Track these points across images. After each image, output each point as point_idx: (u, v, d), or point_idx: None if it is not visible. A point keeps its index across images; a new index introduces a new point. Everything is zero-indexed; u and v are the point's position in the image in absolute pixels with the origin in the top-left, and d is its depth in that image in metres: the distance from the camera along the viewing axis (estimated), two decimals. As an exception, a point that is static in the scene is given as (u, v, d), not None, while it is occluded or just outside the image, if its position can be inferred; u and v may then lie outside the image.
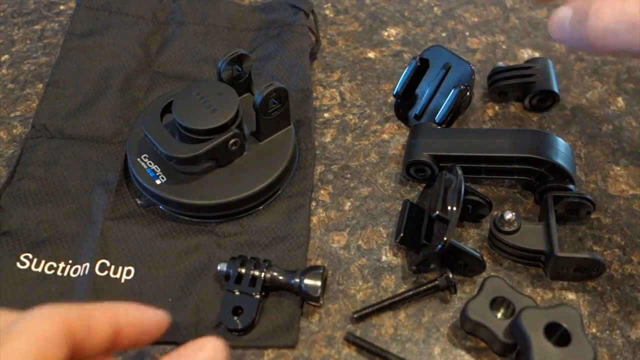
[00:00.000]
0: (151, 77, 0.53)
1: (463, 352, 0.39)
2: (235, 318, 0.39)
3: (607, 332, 0.40)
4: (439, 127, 0.48)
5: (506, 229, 0.42)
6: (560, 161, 0.43)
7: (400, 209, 0.45)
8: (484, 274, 0.42)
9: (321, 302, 0.41)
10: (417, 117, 0.50)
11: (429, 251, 0.40)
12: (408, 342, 0.40)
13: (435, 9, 0.61)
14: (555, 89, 0.50)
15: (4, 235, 0.44)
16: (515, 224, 0.42)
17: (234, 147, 0.44)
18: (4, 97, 0.53)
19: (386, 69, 0.55)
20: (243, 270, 0.40)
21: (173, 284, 0.42)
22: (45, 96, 0.51)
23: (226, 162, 0.45)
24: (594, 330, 0.40)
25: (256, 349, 0.39)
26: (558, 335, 0.36)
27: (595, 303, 0.41)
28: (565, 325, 0.36)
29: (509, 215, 0.42)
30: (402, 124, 0.51)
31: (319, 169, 0.49)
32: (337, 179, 0.48)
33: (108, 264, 0.42)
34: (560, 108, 0.52)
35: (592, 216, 0.45)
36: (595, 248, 0.44)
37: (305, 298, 0.40)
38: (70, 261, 0.43)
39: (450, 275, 0.40)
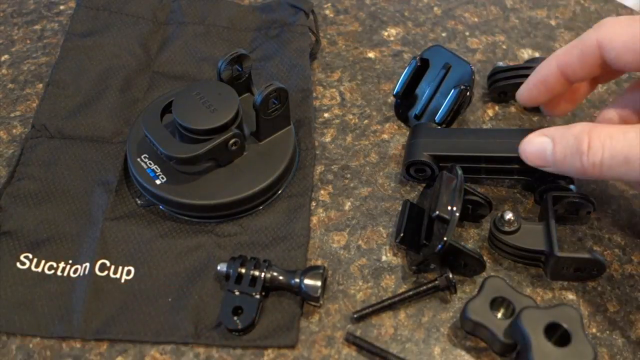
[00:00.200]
0: (151, 77, 0.53)
1: (463, 352, 0.39)
2: (235, 318, 0.39)
3: (607, 332, 0.40)
4: (439, 127, 0.48)
5: (506, 229, 0.42)
6: None
7: (400, 209, 0.45)
8: (484, 274, 0.42)
9: (321, 302, 0.41)
10: (417, 117, 0.50)
11: (429, 251, 0.40)
12: (408, 342, 0.40)
13: (435, 9, 0.61)
14: (556, 89, 0.50)
15: (4, 235, 0.44)
16: (515, 224, 0.42)
17: (234, 147, 0.44)
18: (4, 97, 0.53)
19: (386, 69, 0.55)
20: (243, 270, 0.40)
21: (173, 284, 0.42)
22: (45, 96, 0.51)
23: (226, 162, 0.45)
24: (594, 330, 0.40)
25: (256, 349, 0.39)
26: (558, 335, 0.36)
27: (595, 303, 0.41)
28: (565, 325, 0.36)
29: (509, 215, 0.42)
30: (402, 124, 0.51)
31: (319, 169, 0.49)
32: (337, 179, 0.48)
33: (108, 264, 0.42)
34: (560, 108, 0.52)
35: (592, 216, 0.45)
36: (595, 248, 0.44)
37: (305, 298, 0.40)
38: (70, 261, 0.43)
39: (450, 275, 0.40)
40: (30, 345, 0.40)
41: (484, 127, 0.51)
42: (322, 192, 0.47)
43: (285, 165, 0.46)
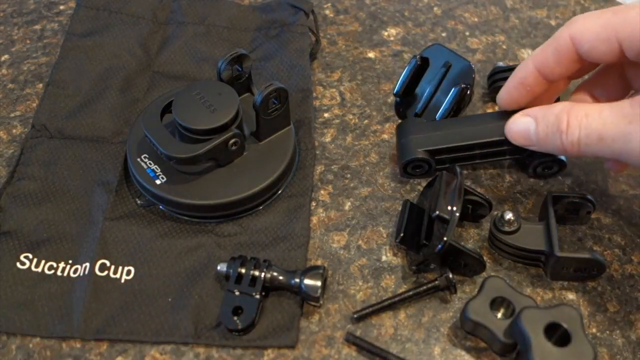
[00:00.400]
0: (151, 77, 0.53)
1: (463, 352, 0.39)
2: (235, 318, 0.39)
3: (607, 332, 0.40)
4: (424, 121, 0.48)
5: (506, 229, 0.42)
6: None
7: (400, 209, 0.45)
8: (484, 274, 0.42)
9: (321, 302, 0.41)
10: (418, 115, 0.50)
11: (429, 251, 0.40)
12: (408, 342, 0.40)
13: (435, 9, 0.61)
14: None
15: (4, 235, 0.44)
16: (515, 224, 0.42)
17: (234, 147, 0.44)
18: (4, 97, 0.53)
19: (386, 69, 0.55)
20: (243, 270, 0.40)
21: (173, 284, 0.42)
22: (45, 96, 0.51)
23: (226, 162, 0.45)
24: (594, 330, 0.40)
25: (256, 349, 0.39)
26: (558, 335, 0.36)
27: (595, 303, 0.41)
28: (565, 325, 0.36)
29: (509, 215, 0.42)
30: (402, 124, 0.51)
31: (319, 169, 0.49)
32: (337, 179, 0.48)
33: (108, 264, 0.42)
34: (560, 108, 0.52)
35: (592, 216, 0.45)
36: (595, 248, 0.44)
37: (305, 298, 0.40)
38: (70, 261, 0.43)
39: (450, 275, 0.40)
40: (30, 345, 0.40)
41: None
42: (322, 192, 0.47)
43: (285, 165, 0.46)
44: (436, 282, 0.41)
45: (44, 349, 0.39)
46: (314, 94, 0.53)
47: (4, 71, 0.55)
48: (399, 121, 0.51)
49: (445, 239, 0.39)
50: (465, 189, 0.42)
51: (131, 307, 0.41)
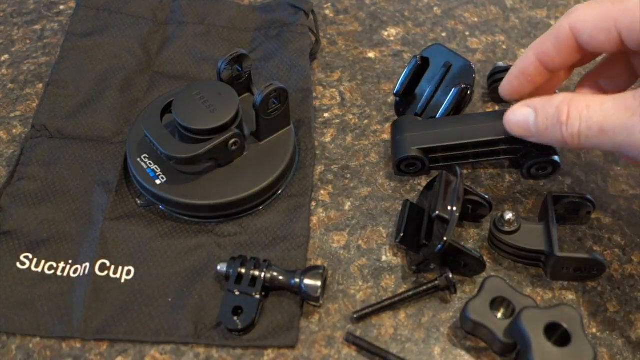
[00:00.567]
0: (151, 77, 0.53)
1: (463, 352, 0.39)
2: (235, 318, 0.39)
3: (607, 332, 0.40)
4: (420, 119, 0.48)
5: (506, 229, 0.42)
6: None
7: (400, 209, 0.45)
8: (484, 274, 0.42)
9: (321, 302, 0.41)
10: (418, 115, 0.50)
11: (429, 251, 0.40)
12: (408, 342, 0.40)
13: (435, 9, 0.61)
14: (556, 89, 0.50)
15: (4, 235, 0.44)
16: (515, 224, 0.42)
17: (234, 147, 0.44)
18: (4, 97, 0.53)
19: (386, 69, 0.55)
20: (243, 270, 0.40)
21: (173, 284, 0.42)
22: (45, 96, 0.51)
23: (226, 162, 0.45)
24: (594, 330, 0.40)
25: (256, 349, 0.39)
26: (558, 335, 0.36)
27: (595, 303, 0.41)
28: (565, 325, 0.36)
29: (509, 215, 0.42)
30: (402, 124, 0.51)
31: (319, 169, 0.49)
32: (337, 179, 0.48)
33: (108, 264, 0.42)
34: (560, 108, 0.52)
35: (592, 216, 0.45)
36: (595, 248, 0.44)
37: (305, 298, 0.40)
38: (70, 261, 0.43)
39: (450, 275, 0.40)
40: (30, 345, 0.40)
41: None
42: (322, 192, 0.47)
43: (285, 165, 0.46)
44: (436, 282, 0.41)
45: (44, 349, 0.39)
46: (314, 94, 0.53)
47: (4, 71, 0.55)
48: (399, 121, 0.51)
49: (445, 239, 0.39)
50: (465, 189, 0.42)
51: (131, 307, 0.41)
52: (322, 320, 0.41)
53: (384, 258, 0.44)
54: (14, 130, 0.51)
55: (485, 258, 0.42)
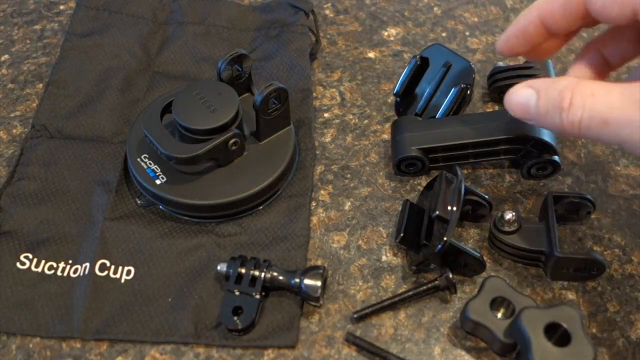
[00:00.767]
0: (151, 77, 0.53)
1: (463, 352, 0.39)
2: (235, 318, 0.39)
3: (607, 332, 0.40)
4: (420, 119, 0.48)
5: (506, 229, 0.42)
6: (545, 137, 0.44)
7: (400, 209, 0.45)
8: (484, 274, 0.42)
9: (321, 302, 0.41)
10: (418, 115, 0.50)
11: (429, 251, 0.40)
12: (408, 342, 0.40)
13: (435, 9, 0.61)
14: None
15: (4, 235, 0.44)
16: (515, 224, 0.42)
17: (234, 147, 0.44)
18: (4, 97, 0.53)
19: (386, 69, 0.55)
20: (243, 270, 0.40)
21: (173, 284, 0.42)
22: (45, 96, 0.51)
23: (226, 162, 0.45)
24: (594, 330, 0.40)
25: (256, 349, 0.39)
26: (558, 335, 0.36)
27: (595, 303, 0.41)
28: (565, 325, 0.36)
29: (509, 215, 0.42)
30: (402, 124, 0.51)
31: (319, 169, 0.49)
32: (337, 179, 0.48)
33: (108, 264, 0.42)
34: (560, 108, 0.52)
35: (592, 216, 0.45)
36: (595, 248, 0.44)
37: (305, 298, 0.40)
38: (70, 261, 0.43)
39: (450, 275, 0.40)
40: (30, 345, 0.40)
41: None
42: (322, 192, 0.47)
43: (285, 165, 0.46)
44: (436, 282, 0.41)
45: (44, 349, 0.39)
46: (314, 94, 0.53)
47: (4, 71, 0.55)
48: (399, 121, 0.51)
49: (445, 239, 0.39)
50: (466, 189, 0.42)
51: (131, 307, 0.41)
52: (322, 320, 0.41)
53: (384, 258, 0.44)
54: (14, 130, 0.51)
55: (485, 258, 0.42)
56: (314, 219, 0.46)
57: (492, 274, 0.42)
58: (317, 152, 0.49)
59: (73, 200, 0.46)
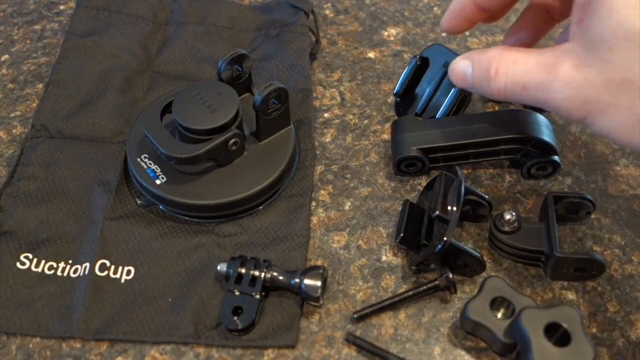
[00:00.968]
0: (151, 77, 0.53)
1: (463, 352, 0.39)
2: (235, 318, 0.39)
3: (607, 332, 0.40)
4: (420, 119, 0.48)
5: (506, 229, 0.42)
6: (545, 137, 0.44)
7: (400, 209, 0.45)
8: (484, 274, 0.42)
9: (321, 302, 0.41)
10: (418, 116, 0.50)
11: (429, 251, 0.40)
12: (408, 342, 0.40)
13: (435, 9, 0.61)
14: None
15: (4, 235, 0.44)
16: (515, 224, 0.42)
17: (234, 147, 0.44)
18: (4, 97, 0.53)
19: (386, 69, 0.55)
20: (243, 270, 0.40)
21: (173, 284, 0.42)
22: (45, 96, 0.51)
23: (226, 162, 0.45)
24: (594, 330, 0.40)
25: (256, 349, 0.39)
26: (558, 335, 0.36)
27: (595, 303, 0.41)
28: (565, 325, 0.36)
29: (509, 216, 0.42)
30: (402, 124, 0.51)
31: (319, 169, 0.49)
32: (337, 179, 0.48)
33: (108, 264, 0.42)
34: (560, 108, 0.52)
35: (592, 216, 0.45)
36: (595, 248, 0.44)
37: (305, 298, 0.40)
38: (70, 261, 0.43)
39: (450, 275, 0.40)
40: (30, 345, 0.40)
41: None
42: (322, 192, 0.47)
43: (285, 165, 0.46)
44: (436, 282, 0.41)
45: (44, 349, 0.39)
46: (314, 94, 0.53)
47: (4, 71, 0.55)
48: (399, 121, 0.51)
49: (445, 239, 0.39)
50: (466, 189, 0.42)
51: (131, 307, 0.41)
52: (322, 320, 0.41)
53: (384, 258, 0.44)
54: (14, 130, 0.51)
55: (485, 258, 0.42)
56: (314, 219, 0.46)
57: (492, 274, 0.42)
58: (317, 152, 0.49)
59: (73, 200, 0.46)
